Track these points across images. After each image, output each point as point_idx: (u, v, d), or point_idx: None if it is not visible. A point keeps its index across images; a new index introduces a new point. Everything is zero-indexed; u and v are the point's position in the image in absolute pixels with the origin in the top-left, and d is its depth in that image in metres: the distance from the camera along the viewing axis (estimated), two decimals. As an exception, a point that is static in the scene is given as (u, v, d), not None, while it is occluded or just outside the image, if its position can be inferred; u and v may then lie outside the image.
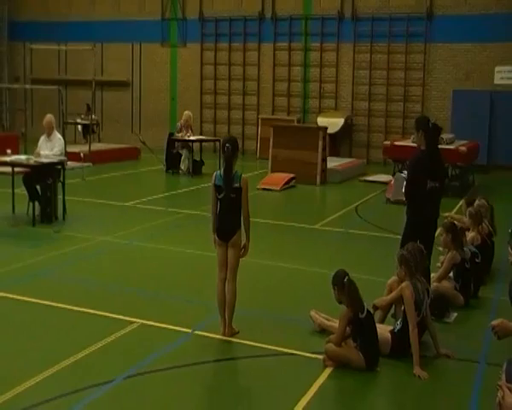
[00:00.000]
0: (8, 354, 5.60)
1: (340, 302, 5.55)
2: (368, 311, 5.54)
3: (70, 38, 22.20)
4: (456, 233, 7.15)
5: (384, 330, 5.77)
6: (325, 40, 19.71)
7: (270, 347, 5.79)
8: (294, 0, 20.01)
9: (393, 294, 5.92)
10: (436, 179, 6.54)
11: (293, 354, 5.67)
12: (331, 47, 19.67)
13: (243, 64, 20.70)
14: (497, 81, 17.52)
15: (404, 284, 5.65)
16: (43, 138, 10.70)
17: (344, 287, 5.50)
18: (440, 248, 7.52)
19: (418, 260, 5.80)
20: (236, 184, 5.75)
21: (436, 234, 6.83)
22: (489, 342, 5.88)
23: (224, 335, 5.98)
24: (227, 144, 5.73)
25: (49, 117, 10.72)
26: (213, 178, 5.85)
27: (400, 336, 5.64)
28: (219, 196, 5.81)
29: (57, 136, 10.73)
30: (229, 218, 5.81)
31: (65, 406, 4.70)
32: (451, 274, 7.15)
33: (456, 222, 7.77)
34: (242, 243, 5.95)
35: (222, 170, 5.80)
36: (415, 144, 13.34)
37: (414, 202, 6.57)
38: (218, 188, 5.81)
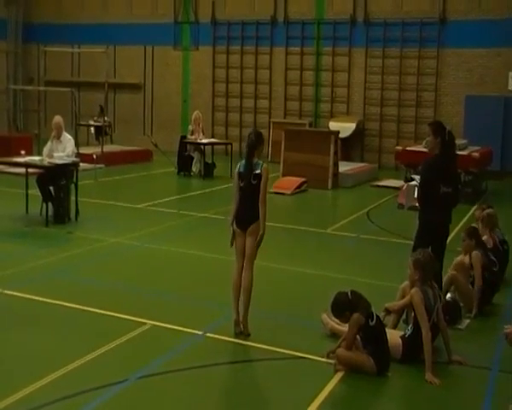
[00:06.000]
0: (21, 352, 5.64)
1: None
2: (378, 317, 5.53)
3: (83, 40, 22.31)
4: (479, 238, 7.16)
5: (395, 335, 5.76)
6: (337, 44, 19.69)
7: (281, 350, 5.79)
8: (307, 4, 20.01)
9: (405, 299, 5.92)
10: (449, 185, 6.53)
11: (304, 357, 5.67)
12: (343, 51, 19.65)
13: (255, 67, 20.73)
14: (511, 87, 17.41)
15: (412, 291, 5.65)
16: (50, 142, 10.65)
17: (351, 301, 5.49)
18: (459, 248, 7.51)
19: (431, 266, 5.79)
20: (258, 171, 5.87)
21: (449, 239, 6.82)
22: (501, 349, 5.85)
23: (237, 324, 5.98)
24: (251, 134, 5.99)
25: (58, 118, 10.77)
26: (237, 167, 6.02)
27: (411, 342, 5.63)
28: (241, 184, 5.93)
29: (67, 136, 10.78)
30: (249, 206, 5.92)
31: (78, 404, 4.73)
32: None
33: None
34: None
35: (244, 158, 5.98)
36: (426, 149, 13.35)
37: (426, 206, 6.56)
38: (240, 175, 5.95)
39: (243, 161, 5.99)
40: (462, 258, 7.18)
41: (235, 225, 6.04)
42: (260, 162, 5.94)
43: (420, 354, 5.53)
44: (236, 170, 6.01)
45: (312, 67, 20.04)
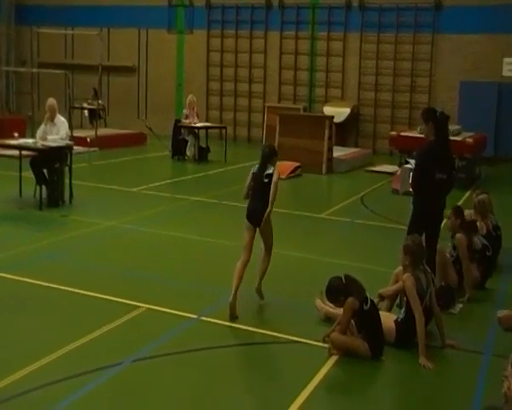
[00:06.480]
0: (15, 336, 5.65)
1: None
2: (372, 302, 5.56)
3: (77, 22, 22.11)
4: (464, 218, 7.19)
5: (389, 318, 5.79)
6: (332, 29, 19.62)
7: (276, 334, 5.82)
8: (302, -12, 19.92)
9: (398, 285, 5.96)
10: (444, 171, 6.55)
11: (298, 341, 5.71)
12: (338, 36, 19.58)
13: (250, 52, 20.62)
14: (505, 73, 17.42)
15: (404, 277, 5.68)
16: (44, 125, 10.58)
17: (345, 286, 5.52)
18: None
19: (421, 251, 5.82)
20: (270, 171, 6.30)
21: (443, 225, 6.86)
22: (494, 334, 5.91)
23: (232, 308, 6.05)
24: (266, 148, 6.55)
25: (52, 100, 10.69)
26: (252, 168, 6.49)
27: (404, 326, 5.67)
28: (253, 183, 6.40)
29: (61, 119, 10.72)
30: (261, 204, 6.27)
31: (73, 387, 4.74)
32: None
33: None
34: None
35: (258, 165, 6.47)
36: (421, 135, 13.37)
37: (421, 192, 6.59)
38: (254, 175, 6.41)
39: (258, 165, 6.43)
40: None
41: (246, 219, 6.36)
42: (273, 167, 6.34)
43: (413, 337, 5.57)
44: (251, 171, 6.46)
45: (307, 51, 19.97)
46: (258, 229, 6.36)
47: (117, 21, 21.88)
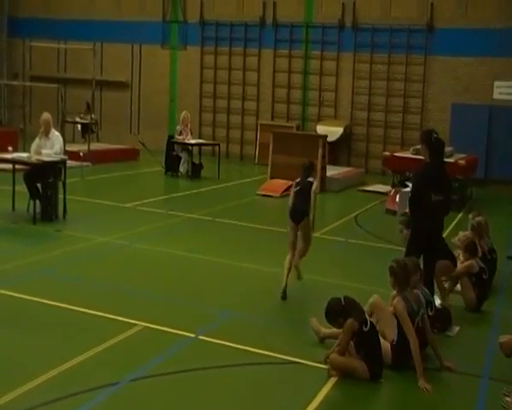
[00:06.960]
0: (6, 353, 5.54)
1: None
2: (371, 323, 5.55)
3: (70, 36, 22.11)
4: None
5: (387, 338, 5.77)
6: (326, 48, 19.74)
7: (273, 354, 5.79)
8: (295, 7, 20.03)
9: (392, 308, 5.96)
10: (440, 193, 6.58)
11: (297, 362, 5.67)
12: (331, 56, 19.70)
13: (243, 69, 20.70)
14: (496, 96, 17.61)
15: (395, 301, 5.71)
16: (38, 139, 10.53)
17: (345, 307, 5.51)
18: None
19: (410, 272, 5.83)
20: (311, 179, 7.70)
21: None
22: (491, 357, 5.91)
23: (284, 291, 7.17)
24: (306, 164, 7.84)
25: (47, 115, 10.65)
26: (293, 187, 7.84)
27: (398, 349, 5.66)
28: (295, 189, 7.66)
29: (55, 134, 10.68)
30: (302, 204, 7.52)
31: (69, 407, 4.67)
32: None
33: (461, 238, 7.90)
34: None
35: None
36: (414, 156, 13.43)
37: (417, 214, 6.61)
38: (297, 183, 7.70)
39: (300, 177, 7.75)
40: None
41: (289, 219, 7.53)
42: (312, 178, 7.75)
43: (409, 360, 5.57)
44: (295, 181, 7.74)
45: (300, 70, 20.06)
46: (298, 226, 7.50)
47: (110, 36, 21.89)
